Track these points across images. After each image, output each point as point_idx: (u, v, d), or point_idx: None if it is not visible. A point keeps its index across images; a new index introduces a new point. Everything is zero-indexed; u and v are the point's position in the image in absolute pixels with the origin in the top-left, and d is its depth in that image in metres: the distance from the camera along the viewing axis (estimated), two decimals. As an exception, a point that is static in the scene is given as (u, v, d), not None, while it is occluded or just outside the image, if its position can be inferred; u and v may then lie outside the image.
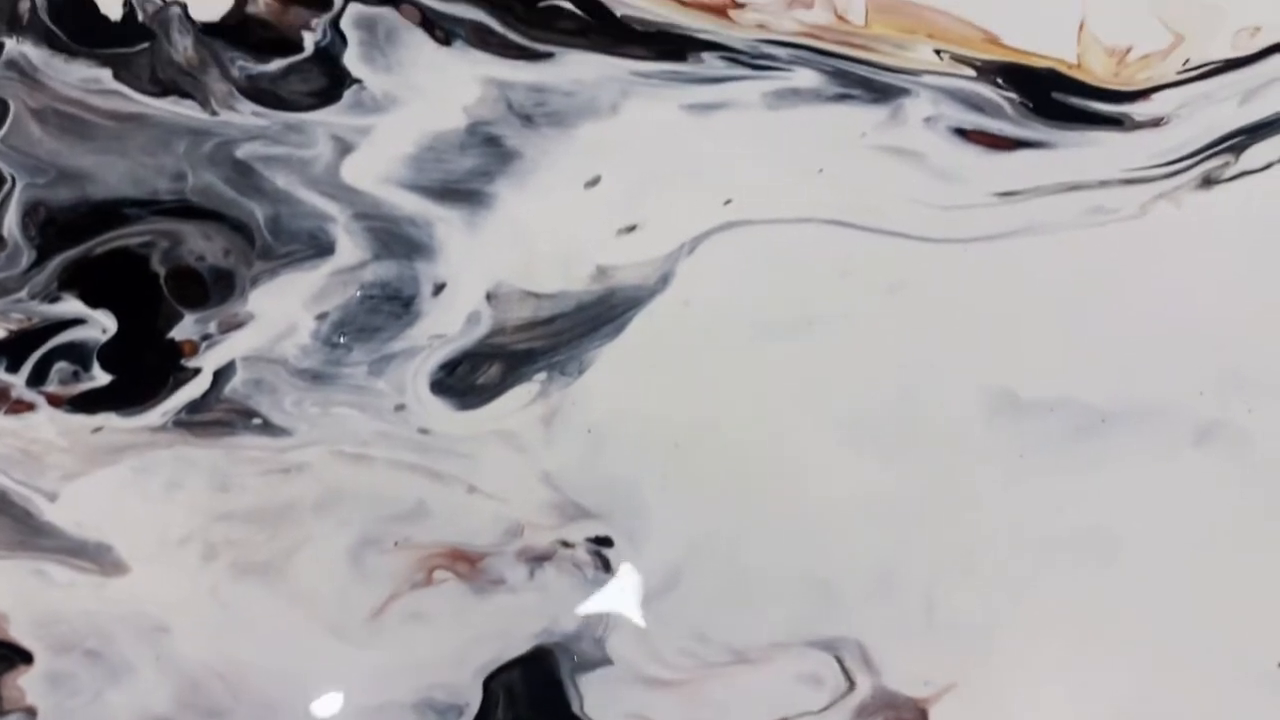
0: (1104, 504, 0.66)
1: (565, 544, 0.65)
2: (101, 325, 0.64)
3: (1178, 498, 0.66)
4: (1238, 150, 0.67)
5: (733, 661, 0.65)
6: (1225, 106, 0.67)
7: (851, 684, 0.65)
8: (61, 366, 0.63)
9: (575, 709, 0.64)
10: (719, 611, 0.65)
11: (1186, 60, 0.67)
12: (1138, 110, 0.67)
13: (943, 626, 0.65)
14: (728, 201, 0.65)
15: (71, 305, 0.64)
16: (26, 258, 0.63)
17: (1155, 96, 0.67)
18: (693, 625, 0.65)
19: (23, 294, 0.63)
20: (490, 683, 0.64)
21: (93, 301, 0.64)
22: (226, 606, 0.64)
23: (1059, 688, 0.66)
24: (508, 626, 0.64)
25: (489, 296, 0.65)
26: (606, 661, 0.64)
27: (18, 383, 0.63)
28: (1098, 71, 0.67)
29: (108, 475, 0.63)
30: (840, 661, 0.65)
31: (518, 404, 0.65)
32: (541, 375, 0.65)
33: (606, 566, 0.65)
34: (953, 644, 0.65)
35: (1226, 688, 0.66)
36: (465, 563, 0.65)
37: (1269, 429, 0.66)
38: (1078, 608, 0.66)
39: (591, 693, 0.64)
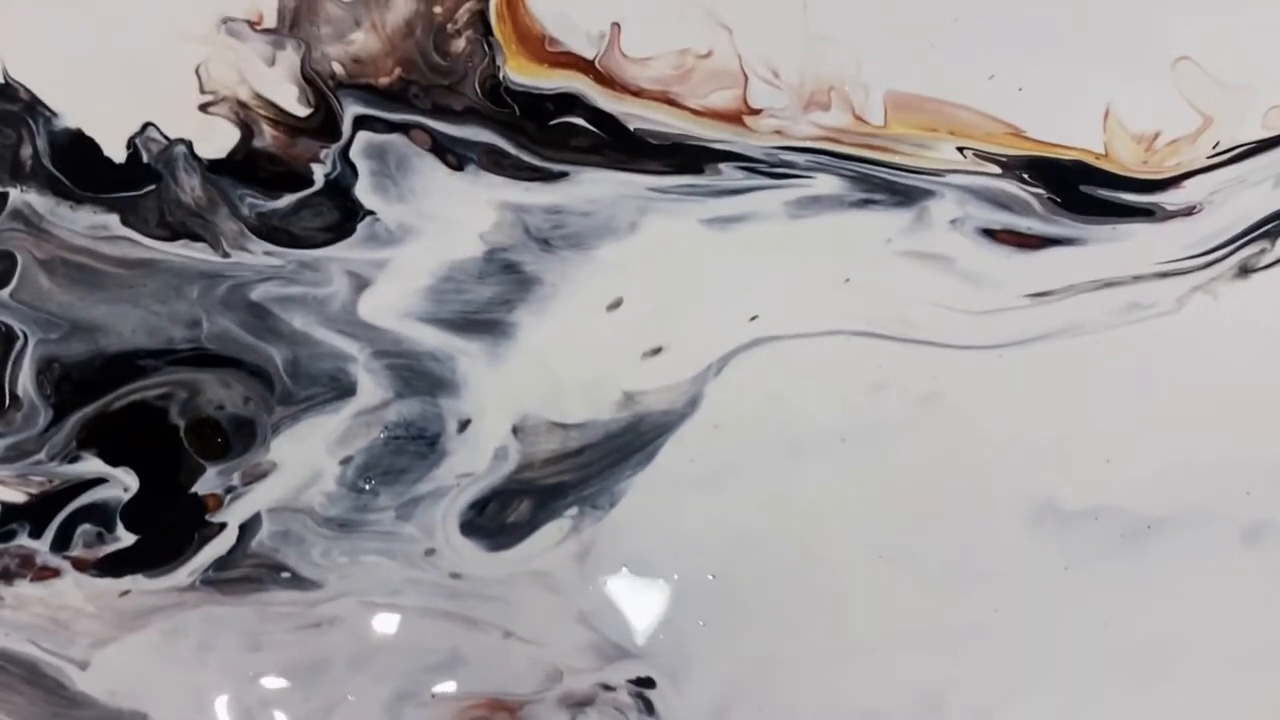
0: (1154, 615, 0.66)
1: (606, 687, 0.65)
2: (123, 484, 0.63)
3: (1229, 602, 0.66)
4: (1273, 236, 0.67)
5: None
6: (1259, 190, 0.67)
7: None
8: (85, 529, 0.63)
9: None
10: None
11: (1217, 143, 0.66)
12: (1169, 199, 0.67)
13: None
14: (754, 318, 0.65)
15: (91, 465, 0.63)
16: (44, 417, 0.63)
17: (1186, 183, 0.66)
18: None
19: (41, 455, 0.63)
20: (535, 840, 0.65)
21: (113, 459, 0.63)
22: None
23: None
24: None
25: (515, 430, 0.65)
26: None
27: (42, 549, 0.63)
28: (1126, 160, 0.66)
29: (138, 640, 0.63)
30: None
31: (550, 542, 0.65)
32: (573, 510, 0.65)
33: (650, 709, 0.65)
34: None
35: None
36: (505, 712, 0.65)
37: None
38: (1159, 714, 0.67)
39: None
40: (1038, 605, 0.66)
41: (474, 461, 0.65)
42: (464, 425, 0.65)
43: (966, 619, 0.66)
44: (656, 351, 0.65)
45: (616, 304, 0.65)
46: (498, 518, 0.65)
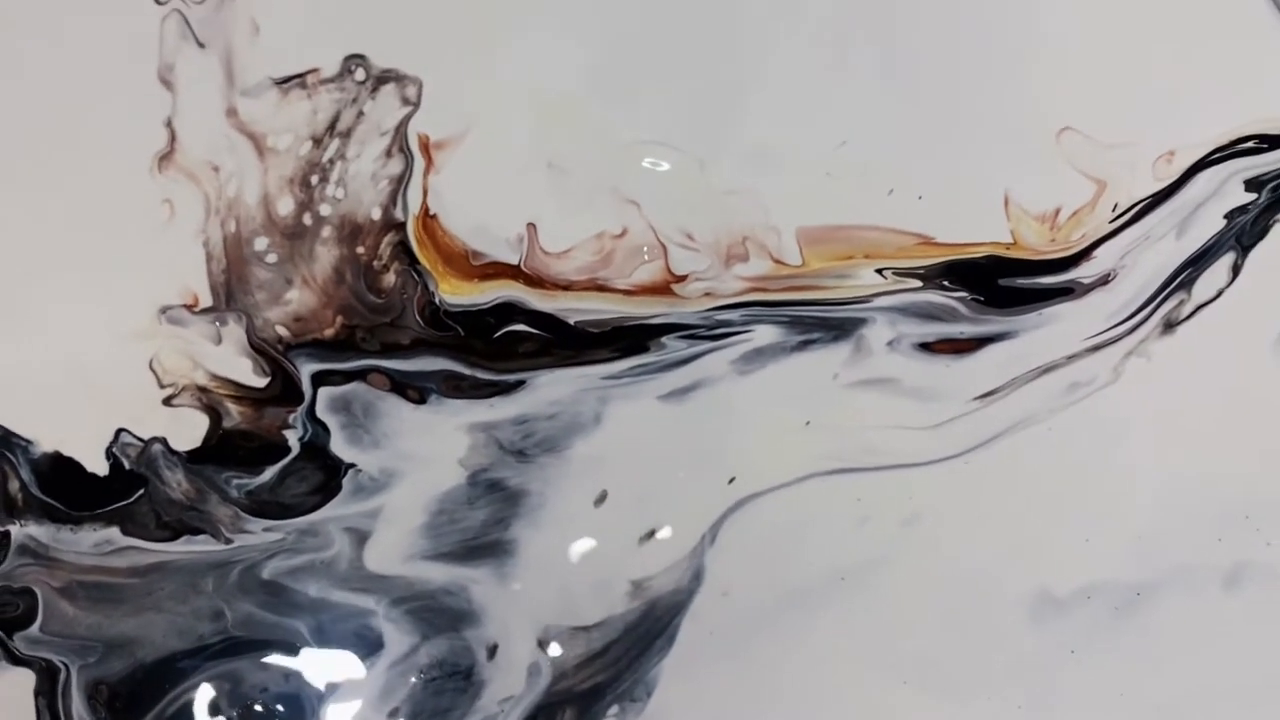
0: (1162, 675, 0.68)
1: None
2: None
3: (1224, 646, 0.68)
4: (1188, 285, 0.69)
5: None
6: (1165, 243, 0.69)
7: None
8: None
9: None
10: None
11: (1115, 205, 0.69)
12: (1084, 272, 0.69)
13: None
14: (732, 480, 0.67)
15: None
16: None
17: (1096, 253, 0.69)
18: None
19: None
20: None
21: None
22: None
23: None
24: None
25: (541, 644, 0.66)
26: None
27: None
28: (1034, 243, 0.69)
29: None
30: None
31: None
32: (614, 709, 0.66)
33: None
34: None
35: None
36: None
37: None
38: None
39: None
40: (1055, 692, 0.68)
41: (511, 684, 0.66)
42: (492, 651, 0.66)
43: (996, 716, 0.68)
44: (650, 535, 0.67)
45: (602, 498, 0.67)
46: None
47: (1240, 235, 0.69)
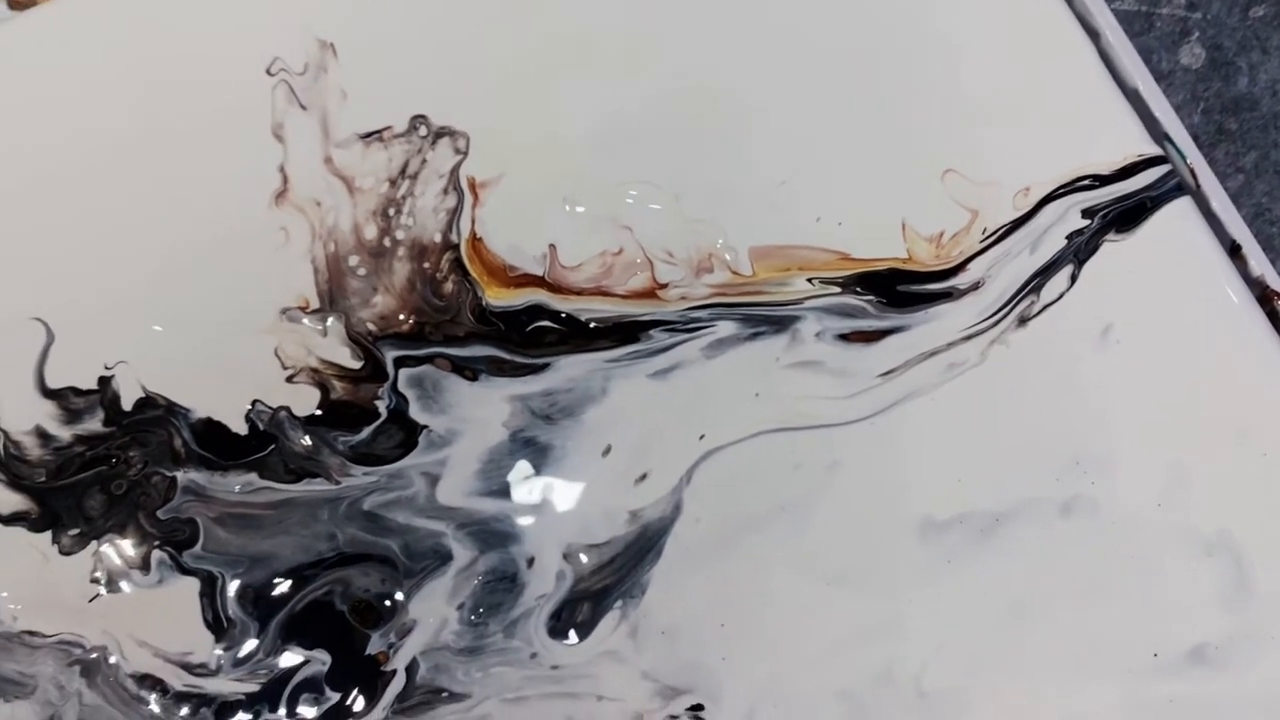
0: (1013, 579, 0.74)
1: (674, 717, 0.72)
2: (320, 660, 0.71)
3: (1060, 560, 0.74)
4: (1037, 290, 0.76)
5: None
6: (1021, 258, 0.76)
7: None
8: (305, 696, 0.71)
9: (706, 816, 0.69)
10: None
11: (985, 229, 0.76)
12: (960, 281, 0.76)
13: (934, 697, 0.73)
14: (701, 436, 0.74)
15: (296, 653, 0.71)
16: (254, 629, 0.71)
17: (970, 266, 0.76)
18: None
19: (260, 655, 0.71)
20: (650, 816, 0.69)
21: (308, 645, 0.71)
22: None
23: (1026, 714, 0.74)
24: None
25: (565, 557, 0.73)
26: None
27: (280, 718, 0.70)
28: (924, 259, 0.76)
29: None
30: None
31: (610, 628, 0.72)
32: (619, 603, 0.73)
33: None
34: (943, 708, 0.74)
35: (1119, 678, 0.74)
36: None
37: (1107, 493, 0.75)
38: (1026, 653, 0.74)
39: (715, 805, 0.69)
40: (938, 591, 0.74)
41: (544, 586, 0.73)
42: (530, 562, 0.73)
43: (894, 611, 0.74)
44: (643, 477, 0.74)
45: (608, 450, 0.74)
46: (571, 620, 0.73)
47: (1077, 252, 0.76)
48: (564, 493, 0.74)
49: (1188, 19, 0.88)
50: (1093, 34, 0.78)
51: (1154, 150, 0.77)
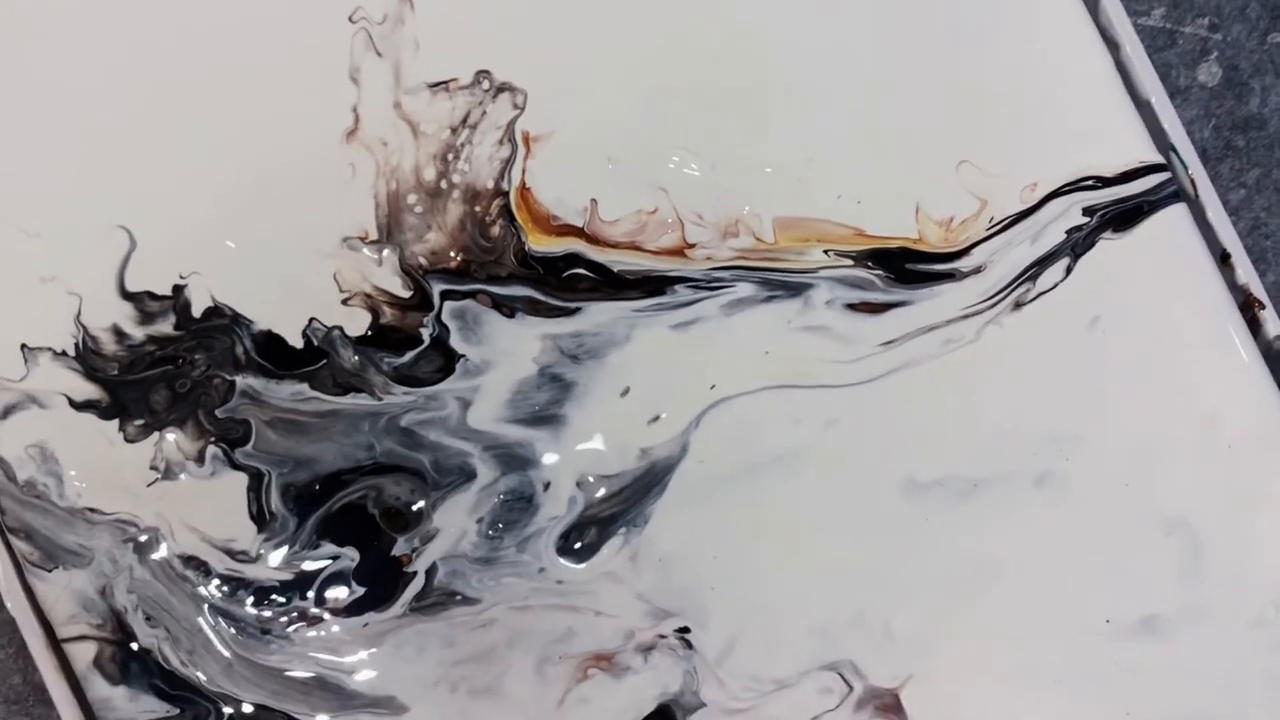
0: (984, 540, 0.78)
1: (662, 636, 0.75)
2: (349, 557, 0.74)
3: (1029, 527, 0.78)
4: (1034, 278, 0.78)
5: (777, 689, 0.77)
6: (1022, 247, 0.78)
7: (850, 688, 0.77)
8: (333, 589, 0.75)
9: (688, 739, 0.72)
10: (763, 660, 0.77)
11: (992, 218, 0.78)
12: (964, 264, 0.78)
13: (900, 640, 0.77)
14: (712, 386, 0.77)
15: (328, 548, 0.74)
16: (293, 523, 0.74)
17: (974, 251, 0.78)
18: (749, 671, 0.77)
19: (296, 547, 0.74)
20: (634, 732, 0.72)
21: (340, 542, 0.75)
22: (474, 718, 0.75)
23: (979, 667, 0.78)
24: (639, 695, 0.76)
25: (578, 484, 0.76)
26: (701, 705, 0.76)
27: (309, 606, 0.74)
28: (933, 241, 0.78)
29: (381, 652, 0.74)
30: (841, 676, 0.77)
31: (612, 552, 0.76)
32: (622, 530, 0.76)
33: (689, 645, 0.76)
34: (908, 651, 0.77)
35: (1071, 638, 0.78)
36: (604, 661, 0.75)
37: (1079, 470, 0.78)
38: (989, 608, 0.78)
39: (695, 727, 0.73)
40: (913, 543, 0.77)
41: (557, 509, 0.76)
42: (547, 486, 0.76)
43: (872, 559, 0.77)
44: (656, 419, 0.77)
45: (625, 391, 0.76)
46: (577, 541, 0.76)
47: (1075, 246, 0.78)
48: (582, 426, 0.76)
49: (1208, 39, 0.92)
50: (1113, 45, 0.80)
51: (1157, 158, 0.79)
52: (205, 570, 0.74)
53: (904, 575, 0.78)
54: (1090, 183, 0.79)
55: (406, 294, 0.76)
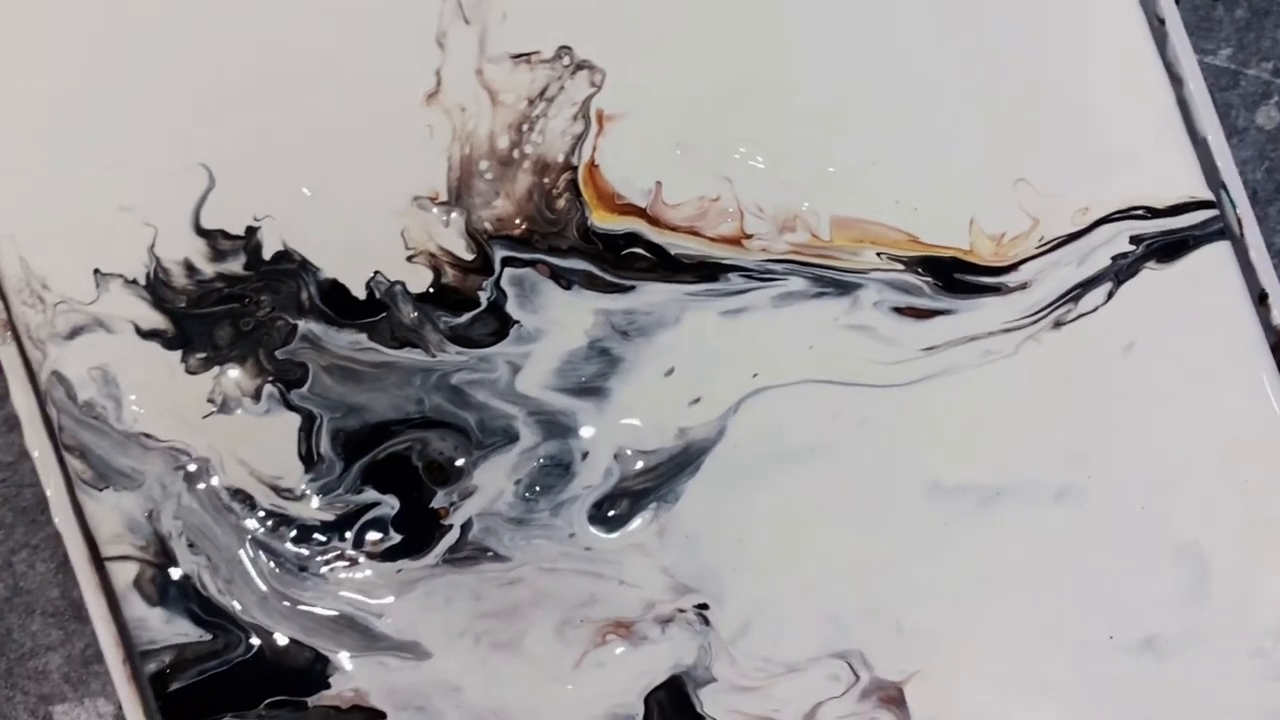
0: (1004, 546, 0.79)
1: (681, 610, 0.77)
2: (390, 504, 0.76)
3: (1046, 535, 0.79)
4: (1076, 299, 0.79)
5: (787, 671, 0.78)
6: (1068, 268, 0.79)
7: (857, 677, 0.78)
8: (371, 533, 0.76)
9: (699, 710, 0.77)
10: (776, 642, 0.78)
11: (1042, 237, 0.79)
12: (1010, 279, 0.79)
13: (909, 636, 0.78)
14: (755, 375, 0.78)
15: (370, 494, 0.76)
16: (339, 467, 0.76)
17: (1022, 268, 0.79)
18: (761, 652, 0.78)
19: (340, 490, 0.76)
20: (648, 699, 0.77)
21: (383, 490, 0.76)
22: (493, 671, 0.76)
23: (982, 669, 0.80)
24: (654, 665, 0.77)
25: (616, 457, 0.77)
26: (713, 680, 0.78)
27: (346, 547, 0.76)
28: (984, 254, 0.79)
29: (411, 598, 0.76)
30: (850, 665, 0.78)
31: (641, 525, 0.77)
32: (653, 505, 0.77)
33: (706, 621, 0.77)
34: (915, 647, 0.79)
35: (1074, 650, 0.79)
36: (624, 629, 0.77)
37: (1099, 488, 0.79)
38: (997, 614, 0.79)
39: (707, 700, 0.78)
40: (932, 546, 0.79)
41: (593, 478, 0.77)
42: (585, 455, 0.77)
43: (890, 557, 0.79)
44: (697, 401, 0.78)
45: (670, 372, 0.78)
46: (609, 512, 0.77)
47: (1119, 272, 0.79)
48: (625, 401, 0.78)
49: (1271, 83, 0.93)
50: (1177, 81, 0.80)
51: (1207, 195, 0.80)
52: (250, 504, 0.75)
53: (919, 574, 0.79)
54: (1140, 212, 0.80)
55: (469, 256, 0.77)
